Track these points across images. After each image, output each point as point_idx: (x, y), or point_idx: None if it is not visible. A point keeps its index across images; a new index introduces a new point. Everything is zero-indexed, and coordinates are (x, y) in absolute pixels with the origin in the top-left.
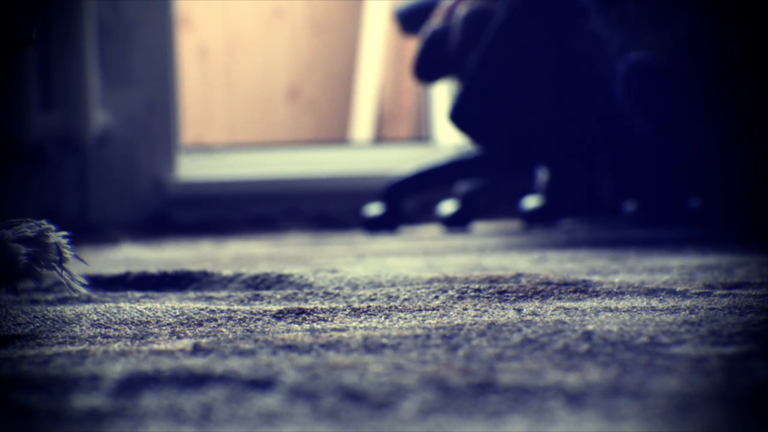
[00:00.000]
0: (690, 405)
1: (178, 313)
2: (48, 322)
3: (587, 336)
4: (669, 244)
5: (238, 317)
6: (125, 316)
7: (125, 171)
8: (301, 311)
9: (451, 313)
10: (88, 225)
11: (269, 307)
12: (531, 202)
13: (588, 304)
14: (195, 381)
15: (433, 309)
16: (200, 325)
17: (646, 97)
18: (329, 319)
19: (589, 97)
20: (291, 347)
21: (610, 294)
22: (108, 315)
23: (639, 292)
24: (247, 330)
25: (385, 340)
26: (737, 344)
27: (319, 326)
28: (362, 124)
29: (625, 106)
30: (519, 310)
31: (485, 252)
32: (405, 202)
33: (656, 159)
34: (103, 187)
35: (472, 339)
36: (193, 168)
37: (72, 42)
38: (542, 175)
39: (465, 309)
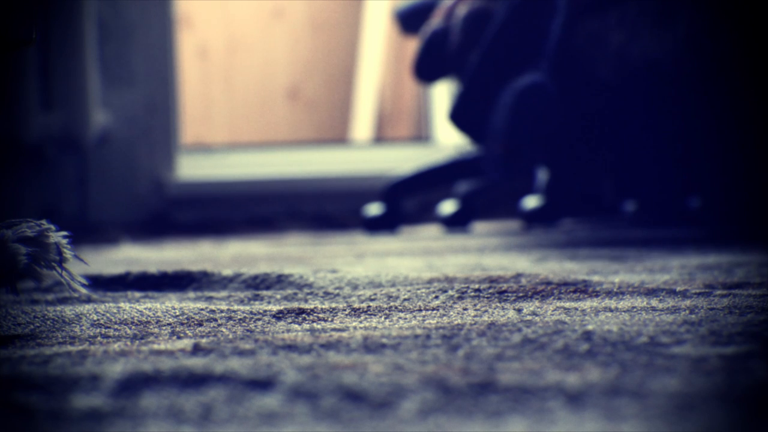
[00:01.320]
0: (690, 405)
1: (178, 313)
2: (48, 322)
3: (587, 336)
4: (669, 244)
5: (238, 317)
6: (125, 316)
7: (125, 171)
8: (301, 311)
9: (451, 313)
10: (88, 225)
11: (269, 307)
12: (531, 202)
13: (588, 304)
14: (195, 381)
15: (433, 309)
16: (200, 325)
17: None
18: (329, 319)
19: (588, 96)
20: (291, 347)
21: (610, 294)
22: (108, 315)
23: (639, 292)
24: (247, 330)
25: (385, 340)
26: (737, 344)
27: (319, 326)
28: (362, 124)
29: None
30: (519, 310)
31: (485, 252)
32: (405, 202)
33: (656, 159)
34: (103, 187)
35: (472, 339)
36: (193, 168)
37: (72, 42)
38: (542, 175)
39: (465, 309)
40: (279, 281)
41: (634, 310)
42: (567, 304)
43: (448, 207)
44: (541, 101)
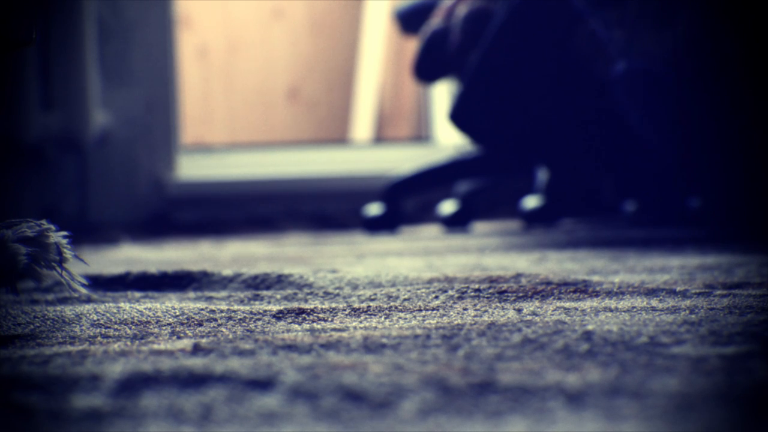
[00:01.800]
0: (690, 405)
1: (178, 313)
2: (48, 322)
3: (587, 336)
4: (669, 244)
5: (238, 317)
6: (125, 316)
7: (125, 171)
8: (301, 311)
9: (451, 313)
10: (88, 225)
11: (269, 307)
12: (531, 202)
13: (588, 304)
14: (195, 381)
15: (433, 309)
16: (200, 325)
17: (641, 100)
18: (329, 319)
19: (588, 97)
20: (291, 347)
21: (610, 294)
22: (108, 315)
23: (639, 292)
24: (247, 330)
25: (385, 340)
26: (737, 344)
27: (319, 326)
28: (362, 124)
29: (624, 107)
30: (519, 310)
31: (485, 252)
32: (405, 202)
33: (656, 159)
34: (103, 187)
35: (472, 339)
36: (193, 168)
37: (72, 42)
38: (542, 175)
39: (465, 309)
40: (279, 281)
41: (634, 310)
42: (567, 304)
43: (448, 207)
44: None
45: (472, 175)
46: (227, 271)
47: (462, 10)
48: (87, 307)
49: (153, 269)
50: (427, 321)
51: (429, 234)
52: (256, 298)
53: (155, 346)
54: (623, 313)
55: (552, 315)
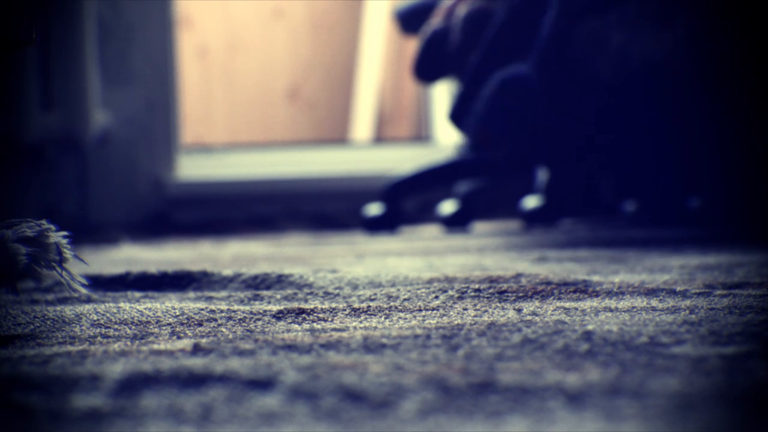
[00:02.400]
0: (690, 405)
1: (178, 313)
2: (48, 322)
3: (587, 336)
4: (669, 244)
5: (238, 317)
6: (125, 316)
7: (125, 171)
8: (301, 311)
9: (451, 313)
10: (88, 225)
11: (269, 307)
12: (531, 202)
13: (588, 304)
14: (195, 381)
15: (433, 309)
16: (200, 325)
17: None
18: (329, 319)
19: (588, 96)
20: (291, 347)
21: (610, 294)
22: (108, 315)
23: (639, 292)
24: (247, 330)
25: (385, 340)
26: (737, 344)
27: (319, 326)
28: (362, 124)
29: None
30: (519, 310)
31: (485, 252)
32: (405, 202)
33: (656, 159)
34: (103, 187)
35: (472, 339)
36: (193, 168)
37: (72, 42)
38: (542, 175)
39: (465, 309)
40: (279, 281)
41: (634, 310)
42: (567, 304)
43: (448, 207)
44: (522, 92)
45: (472, 175)
46: (227, 271)
47: (462, 10)
48: (87, 307)
49: (153, 269)
50: (427, 321)
51: (429, 234)
52: (256, 298)
53: (155, 346)
54: (623, 313)
55: (552, 315)
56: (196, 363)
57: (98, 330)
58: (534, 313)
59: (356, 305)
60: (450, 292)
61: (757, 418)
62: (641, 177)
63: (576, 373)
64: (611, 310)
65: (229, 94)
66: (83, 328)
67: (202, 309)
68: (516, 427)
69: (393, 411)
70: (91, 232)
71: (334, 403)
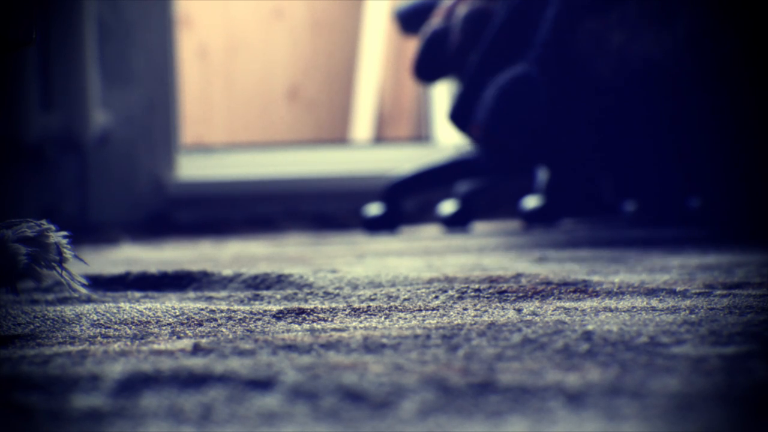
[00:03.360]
0: (690, 405)
1: (178, 313)
2: (48, 322)
3: (587, 336)
4: (669, 244)
5: (238, 317)
6: (125, 316)
7: (125, 171)
8: (301, 311)
9: (451, 313)
10: (88, 225)
11: (269, 307)
12: (531, 202)
13: (588, 304)
14: (195, 381)
15: (433, 309)
16: (200, 325)
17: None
18: (329, 319)
19: (588, 96)
20: (291, 347)
21: (610, 294)
22: (108, 315)
23: (639, 292)
24: (247, 330)
25: (385, 340)
26: (737, 344)
27: (319, 326)
28: (362, 124)
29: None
30: (519, 310)
31: (485, 252)
32: (405, 202)
33: (656, 159)
34: (103, 187)
35: (472, 339)
36: (193, 168)
37: (72, 42)
38: (542, 175)
39: (465, 309)
40: (279, 281)
41: (634, 310)
42: (567, 304)
43: (448, 207)
44: (530, 92)
45: (472, 175)
46: (227, 271)
47: (462, 10)
48: (87, 307)
49: (153, 269)
50: (427, 321)
51: (429, 234)
52: (256, 298)
53: (155, 346)
54: (623, 313)
55: (552, 315)
56: (196, 363)
57: (98, 330)
58: (534, 313)
59: (356, 305)
60: (450, 292)
61: (757, 418)
62: (641, 177)
63: (576, 373)
64: (611, 310)
65: (229, 94)
66: (83, 328)
67: (202, 309)
68: (516, 427)
69: (393, 411)
70: (91, 232)
71: (334, 403)
